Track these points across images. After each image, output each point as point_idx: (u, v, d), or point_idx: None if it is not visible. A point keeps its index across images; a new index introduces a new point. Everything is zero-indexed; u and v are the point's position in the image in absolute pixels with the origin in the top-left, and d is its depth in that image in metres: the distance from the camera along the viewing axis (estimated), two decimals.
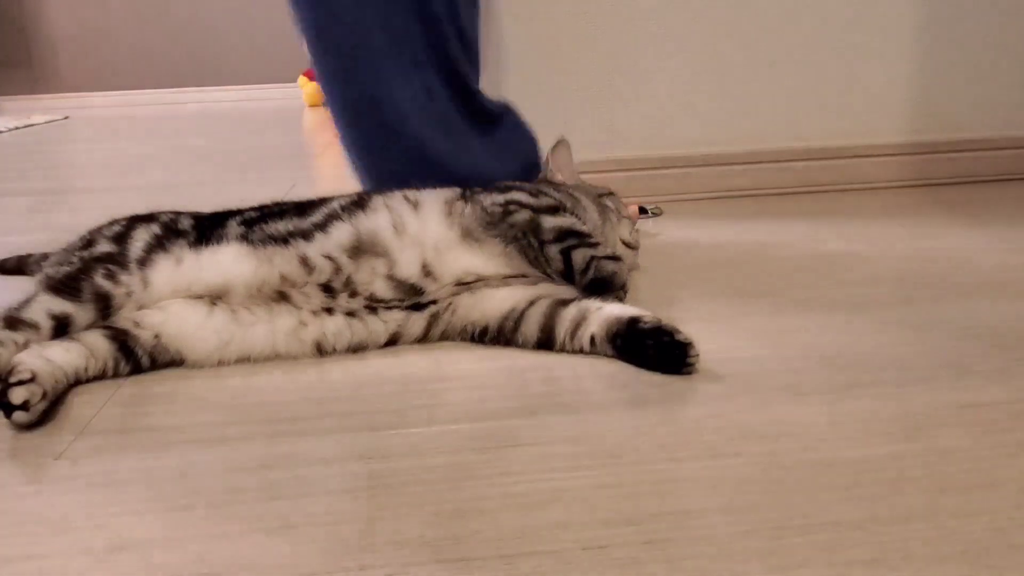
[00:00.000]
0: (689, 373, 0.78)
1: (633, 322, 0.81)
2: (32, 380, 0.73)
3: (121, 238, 0.89)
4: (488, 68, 1.52)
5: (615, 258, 0.91)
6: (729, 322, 0.92)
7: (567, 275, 0.91)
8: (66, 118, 3.99)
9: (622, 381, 0.78)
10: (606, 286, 0.88)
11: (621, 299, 0.88)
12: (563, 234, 0.91)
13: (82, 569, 0.53)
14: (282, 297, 0.86)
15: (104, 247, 0.88)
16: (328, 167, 2.22)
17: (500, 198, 0.94)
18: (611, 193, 1.10)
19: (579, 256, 0.90)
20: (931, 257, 1.14)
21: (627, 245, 1.07)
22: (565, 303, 0.86)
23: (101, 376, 0.82)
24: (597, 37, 1.53)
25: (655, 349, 0.78)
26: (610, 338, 0.82)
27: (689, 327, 0.82)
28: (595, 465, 0.63)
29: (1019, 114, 1.60)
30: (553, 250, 0.90)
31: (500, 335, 0.87)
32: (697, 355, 0.78)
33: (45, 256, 1.10)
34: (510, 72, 1.53)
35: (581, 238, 0.91)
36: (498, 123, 1.23)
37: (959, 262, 1.10)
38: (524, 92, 1.53)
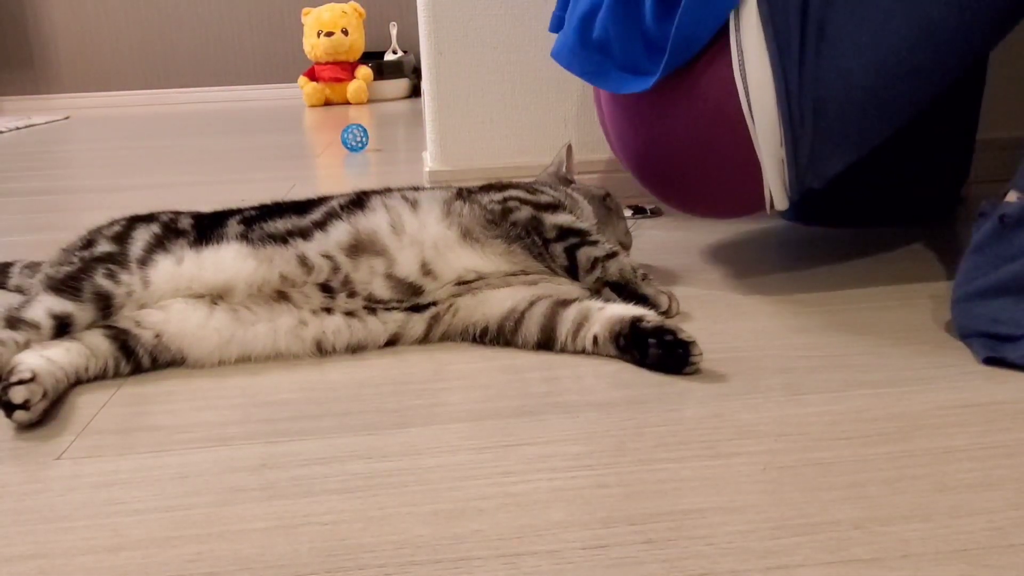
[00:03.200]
0: (692, 373, 0.78)
1: (636, 321, 0.81)
2: (33, 379, 0.73)
3: (121, 238, 0.89)
4: (489, 71, 1.53)
5: (614, 253, 0.92)
6: (728, 322, 0.92)
7: (571, 272, 0.92)
8: (67, 118, 3.99)
9: (622, 381, 0.78)
10: (621, 288, 0.90)
11: (644, 288, 0.90)
12: (565, 232, 0.92)
13: (82, 569, 0.53)
14: (282, 296, 0.86)
15: (104, 247, 0.88)
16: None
17: (498, 196, 0.94)
18: (609, 194, 1.11)
19: (583, 255, 0.91)
20: (934, 256, 1.14)
21: (621, 245, 1.07)
22: (566, 304, 0.86)
23: (102, 376, 0.82)
24: None
25: (658, 348, 0.79)
26: (613, 338, 0.82)
27: (688, 327, 0.82)
28: (595, 465, 0.63)
29: None
30: (557, 248, 0.91)
31: (500, 335, 0.87)
32: (700, 354, 0.78)
33: (7, 265, 1.09)
34: (514, 74, 1.53)
35: (582, 236, 0.92)
36: None
37: None
38: (524, 91, 1.53)
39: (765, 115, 0.91)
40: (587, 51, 1.02)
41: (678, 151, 1.01)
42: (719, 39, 0.93)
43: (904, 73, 0.88)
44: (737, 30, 0.91)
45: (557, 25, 1.15)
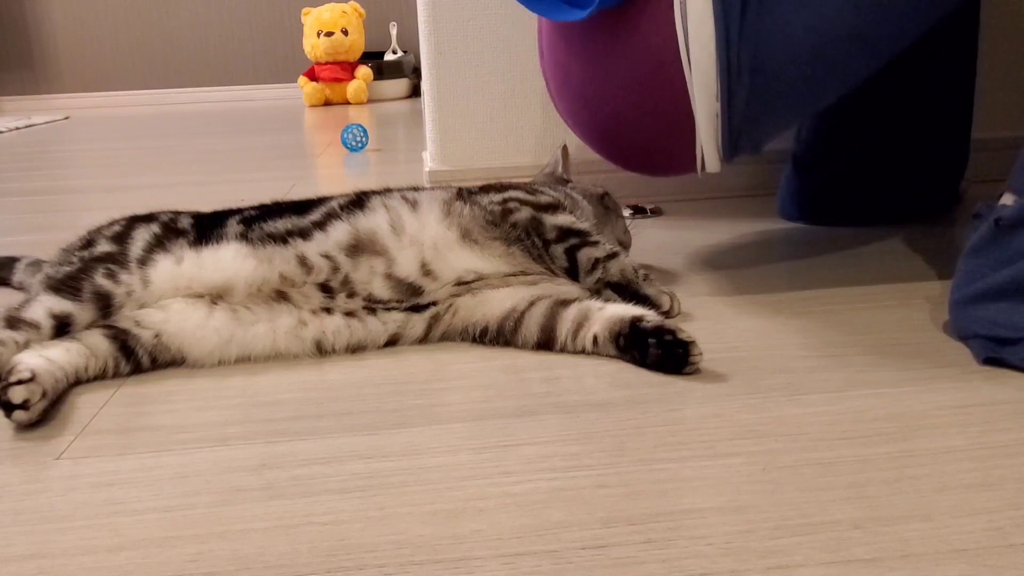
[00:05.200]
0: (692, 373, 0.78)
1: (635, 321, 0.81)
2: (32, 379, 0.73)
3: (121, 238, 0.89)
4: (489, 71, 1.53)
5: (615, 254, 0.91)
6: (728, 322, 0.92)
7: (572, 273, 0.91)
8: (66, 118, 3.99)
9: (622, 381, 0.78)
10: (622, 289, 0.90)
11: (646, 289, 0.90)
12: (565, 233, 0.91)
13: (82, 569, 0.53)
14: (282, 296, 0.86)
15: (104, 247, 0.88)
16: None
17: (498, 197, 0.94)
18: (607, 193, 1.11)
19: (583, 256, 0.91)
20: (934, 256, 1.14)
21: (620, 244, 1.07)
22: (566, 303, 0.86)
23: (102, 376, 0.82)
24: None
25: (657, 348, 0.78)
26: (613, 338, 0.82)
27: (688, 326, 0.82)
28: (595, 465, 0.63)
29: None
30: (558, 250, 0.91)
31: (500, 335, 0.87)
32: (700, 354, 0.78)
33: (12, 260, 1.09)
34: (515, 74, 1.53)
35: (583, 237, 0.92)
36: None
37: None
38: (524, 91, 1.53)
39: (702, 63, 0.88)
40: None
41: (615, 97, 0.98)
42: None
43: (845, 36, 0.86)
44: None
45: None
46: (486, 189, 0.98)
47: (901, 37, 0.88)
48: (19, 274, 1.07)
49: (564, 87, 1.07)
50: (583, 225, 0.94)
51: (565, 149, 1.16)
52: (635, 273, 0.91)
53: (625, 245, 1.08)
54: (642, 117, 0.98)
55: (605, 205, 1.08)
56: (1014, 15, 1.54)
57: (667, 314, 0.90)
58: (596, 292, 0.91)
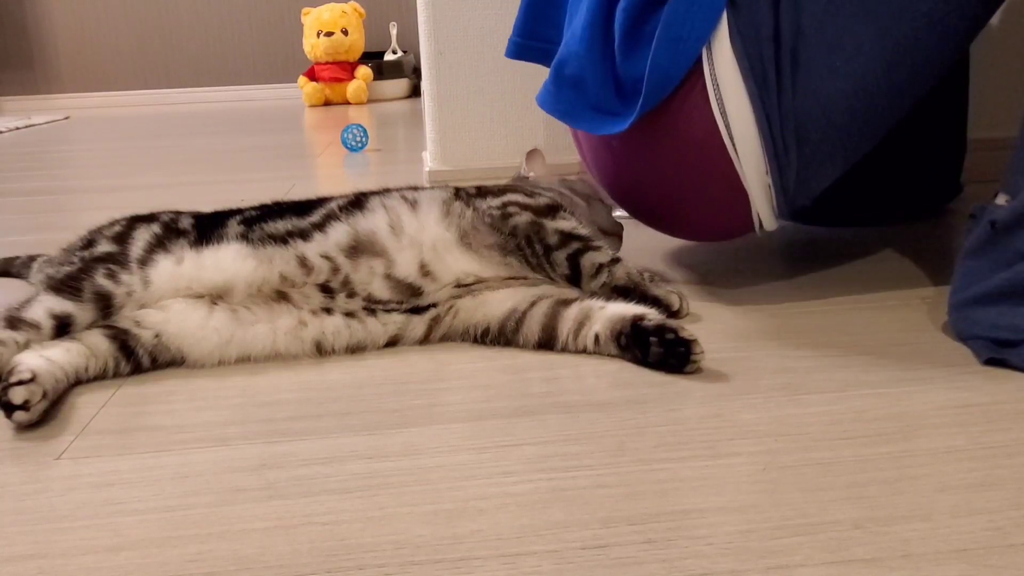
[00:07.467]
0: (693, 371, 0.78)
1: (637, 320, 0.81)
2: (32, 380, 0.73)
3: (121, 238, 0.89)
4: (489, 71, 1.53)
5: (618, 258, 0.91)
6: (729, 322, 0.92)
7: (573, 279, 0.91)
8: (66, 118, 3.99)
9: (623, 380, 0.78)
10: (629, 292, 0.89)
11: (654, 290, 0.89)
12: (567, 238, 0.91)
13: (82, 569, 0.53)
14: (282, 297, 0.86)
15: (105, 247, 0.88)
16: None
17: (496, 201, 0.94)
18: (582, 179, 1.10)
19: (587, 262, 0.90)
20: (933, 256, 1.14)
21: (603, 232, 1.05)
22: (567, 303, 0.86)
23: (102, 376, 0.82)
24: None
25: (659, 347, 0.78)
26: (614, 336, 0.82)
27: (689, 326, 0.82)
28: (595, 465, 0.63)
29: None
30: (560, 256, 0.90)
31: (501, 335, 0.87)
32: (702, 352, 0.78)
33: (32, 258, 1.10)
34: (515, 74, 1.53)
35: (585, 242, 0.91)
36: None
37: None
38: (524, 91, 1.53)
39: (748, 146, 0.90)
40: (560, 89, 1.01)
41: (663, 186, 1.00)
42: (690, 75, 0.92)
43: (882, 92, 0.88)
44: (711, 64, 0.90)
45: (513, 51, 1.14)
46: (483, 193, 0.97)
47: (935, 77, 0.90)
48: (35, 272, 1.07)
49: (611, 184, 1.09)
50: (584, 230, 0.94)
51: (536, 152, 1.15)
52: (640, 276, 0.90)
53: (607, 232, 1.07)
54: (694, 200, 0.99)
55: (581, 192, 1.07)
56: (1010, 15, 1.54)
57: (676, 314, 0.89)
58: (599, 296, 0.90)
